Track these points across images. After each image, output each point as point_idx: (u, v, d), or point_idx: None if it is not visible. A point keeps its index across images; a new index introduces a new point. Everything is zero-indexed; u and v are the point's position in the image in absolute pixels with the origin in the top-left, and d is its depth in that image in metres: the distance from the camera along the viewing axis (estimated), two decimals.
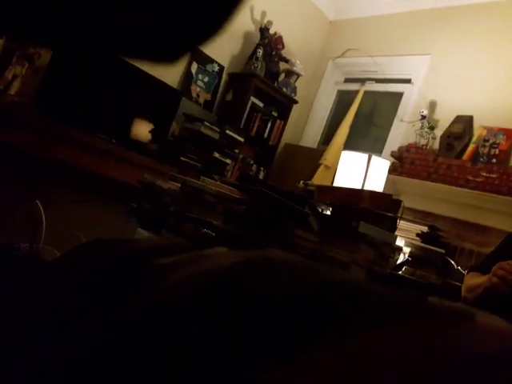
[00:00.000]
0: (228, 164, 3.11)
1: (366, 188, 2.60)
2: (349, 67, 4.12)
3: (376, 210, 1.46)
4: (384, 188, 2.77)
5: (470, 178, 2.82)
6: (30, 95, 2.44)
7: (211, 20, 0.34)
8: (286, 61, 3.80)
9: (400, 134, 3.49)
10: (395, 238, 1.46)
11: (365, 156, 2.72)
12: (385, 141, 3.64)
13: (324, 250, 1.30)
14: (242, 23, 3.67)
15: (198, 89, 3.49)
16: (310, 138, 4.18)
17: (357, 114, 3.72)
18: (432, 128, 3.23)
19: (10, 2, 0.29)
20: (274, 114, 3.80)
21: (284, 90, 3.81)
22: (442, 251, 1.82)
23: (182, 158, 2.75)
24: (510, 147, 2.86)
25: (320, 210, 1.41)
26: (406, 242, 1.79)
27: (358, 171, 2.69)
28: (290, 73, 3.84)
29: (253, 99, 3.65)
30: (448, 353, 0.19)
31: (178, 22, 0.33)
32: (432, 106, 3.34)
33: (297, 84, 3.90)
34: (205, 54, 3.49)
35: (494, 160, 2.85)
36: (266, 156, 3.82)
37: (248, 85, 3.56)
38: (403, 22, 3.75)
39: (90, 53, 0.48)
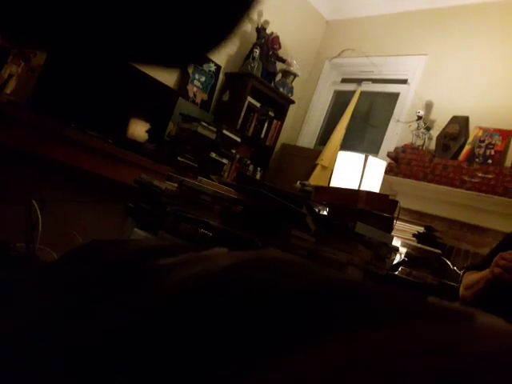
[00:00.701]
0: (225, 164, 3.11)
1: (362, 188, 2.60)
2: (345, 67, 4.12)
3: (372, 210, 1.47)
4: (380, 188, 2.78)
5: (466, 178, 2.83)
6: (25, 94, 2.43)
7: (220, 26, 0.34)
8: (283, 61, 3.80)
9: (396, 134, 3.50)
10: (392, 238, 1.46)
11: (361, 156, 2.73)
12: (381, 141, 3.65)
13: (321, 251, 1.30)
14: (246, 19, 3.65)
15: (195, 89, 3.48)
16: (307, 138, 4.19)
17: (353, 115, 3.73)
18: (428, 128, 3.24)
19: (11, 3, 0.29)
20: (271, 114, 3.80)
21: (281, 90, 3.81)
22: (439, 252, 1.83)
23: (179, 158, 2.75)
24: (505, 148, 2.87)
25: (317, 210, 1.41)
26: (402, 242, 1.80)
27: (355, 171, 2.70)
28: (286, 73, 3.84)
29: (249, 99, 3.65)
30: (447, 353, 0.19)
31: (188, 27, 0.33)
32: (428, 106, 3.35)
33: (293, 84, 3.91)
34: None
35: (490, 161, 2.86)
36: (263, 156, 3.82)
37: (245, 85, 3.56)
38: (400, 23, 3.76)
39: (94, 58, 0.48)
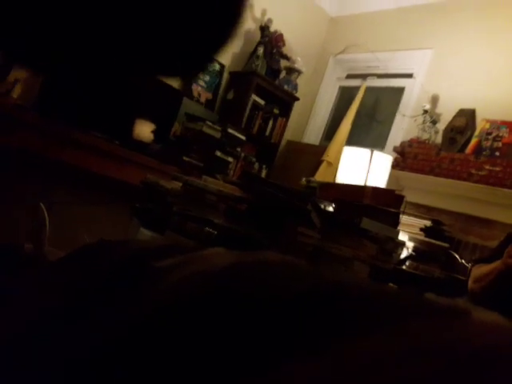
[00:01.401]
0: (230, 162, 3.12)
1: (368, 183, 2.59)
2: (350, 63, 4.10)
3: (379, 205, 1.46)
4: (387, 183, 2.77)
5: (473, 171, 2.81)
6: (32, 98, 2.46)
7: (220, 29, 0.34)
8: (287, 58, 3.79)
9: (402, 128, 3.48)
10: (398, 233, 1.46)
11: (367, 151, 2.72)
12: (387, 136, 3.63)
13: (327, 247, 1.31)
14: (243, 21, 3.66)
15: (200, 88, 3.49)
16: (312, 134, 4.18)
17: (359, 110, 3.72)
18: (434, 122, 3.22)
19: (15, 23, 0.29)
20: (276, 111, 3.79)
21: (285, 87, 3.80)
22: (446, 245, 1.82)
23: (184, 158, 2.76)
24: None
25: (322, 206, 1.41)
26: (409, 236, 1.79)
27: (361, 167, 2.69)
28: (291, 70, 3.84)
29: (254, 97, 3.65)
30: (443, 353, 0.19)
31: (189, 34, 0.33)
32: (434, 100, 3.33)
33: (298, 81, 3.90)
34: None
35: (497, 153, 2.84)
36: (268, 154, 3.82)
37: (249, 83, 3.56)
38: (404, 17, 3.73)
39: (98, 74, 0.48)
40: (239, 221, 1.28)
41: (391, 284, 1.36)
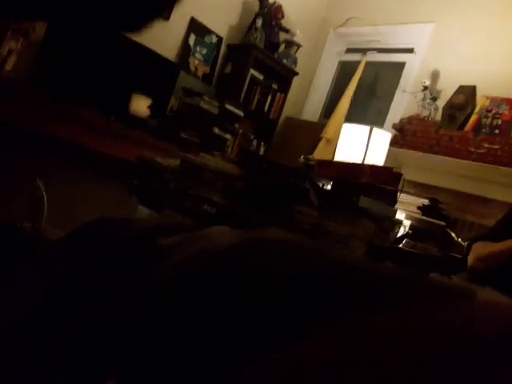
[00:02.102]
0: (228, 139, 3.09)
1: (367, 161, 2.59)
2: (350, 37, 4.02)
3: (377, 183, 1.46)
4: (385, 160, 2.76)
5: (472, 149, 2.80)
6: (26, 70, 2.41)
7: None
8: (286, 31, 3.71)
9: (402, 105, 3.45)
10: (395, 211, 1.46)
11: (366, 128, 2.70)
12: (386, 113, 3.60)
13: (324, 225, 1.31)
14: None
15: (197, 61, 3.43)
16: (311, 111, 4.13)
17: (358, 86, 3.67)
18: (434, 99, 3.18)
19: None
20: (274, 86, 3.74)
21: (284, 61, 3.73)
22: (443, 223, 1.82)
23: (181, 135, 2.73)
24: None
25: (320, 184, 1.41)
26: (406, 215, 1.79)
27: (360, 144, 2.67)
28: (290, 43, 3.76)
29: (252, 71, 3.59)
30: (448, 333, 0.19)
31: None
32: (435, 75, 3.28)
33: (297, 55, 3.83)
34: (203, 24, 3.41)
35: (497, 131, 2.82)
36: (267, 130, 3.78)
37: (247, 56, 3.49)
38: None
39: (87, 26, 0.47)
40: (237, 199, 1.27)
41: (388, 262, 1.37)
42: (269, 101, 3.73)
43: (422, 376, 0.18)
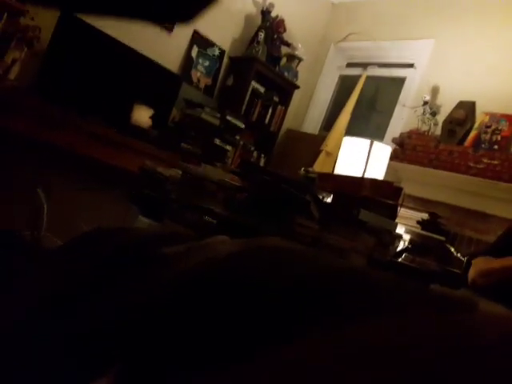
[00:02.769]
0: (228, 151, 3.11)
1: (367, 174, 2.59)
2: (351, 51, 4.06)
3: (377, 197, 1.46)
4: (385, 174, 2.77)
5: (472, 164, 2.81)
6: (29, 80, 2.42)
7: None
8: (288, 45, 3.75)
9: (402, 119, 3.47)
10: (395, 225, 1.46)
11: (367, 142, 2.71)
12: (386, 127, 3.62)
13: (324, 238, 1.31)
14: (244, 5, 3.61)
15: (199, 73, 3.46)
16: (312, 123, 4.16)
17: (359, 100, 3.69)
18: (434, 114, 3.20)
19: None
20: (275, 99, 3.76)
21: (285, 74, 3.77)
22: (442, 238, 1.82)
23: (182, 145, 2.74)
24: None
25: (321, 197, 1.41)
26: (406, 229, 1.79)
27: (360, 157, 2.68)
28: (291, 57, 3.80)
29: (254, 84, 3.61)
30: (447, 342, 0.19)
31: None
32: (434, 91, 3.31)
33: (298, 68, 3.86)
34: (205, 37, 3.44)
35: (496, 146, 2.84)
36: (267, 142, 3.80)
37: (249, 69, 3.52)
38: (407, 6, 3.69)
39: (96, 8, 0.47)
40: (238, 210, 1.28)
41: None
42: (270, 113, 3.75)
43: (418, 380, 0.18)
